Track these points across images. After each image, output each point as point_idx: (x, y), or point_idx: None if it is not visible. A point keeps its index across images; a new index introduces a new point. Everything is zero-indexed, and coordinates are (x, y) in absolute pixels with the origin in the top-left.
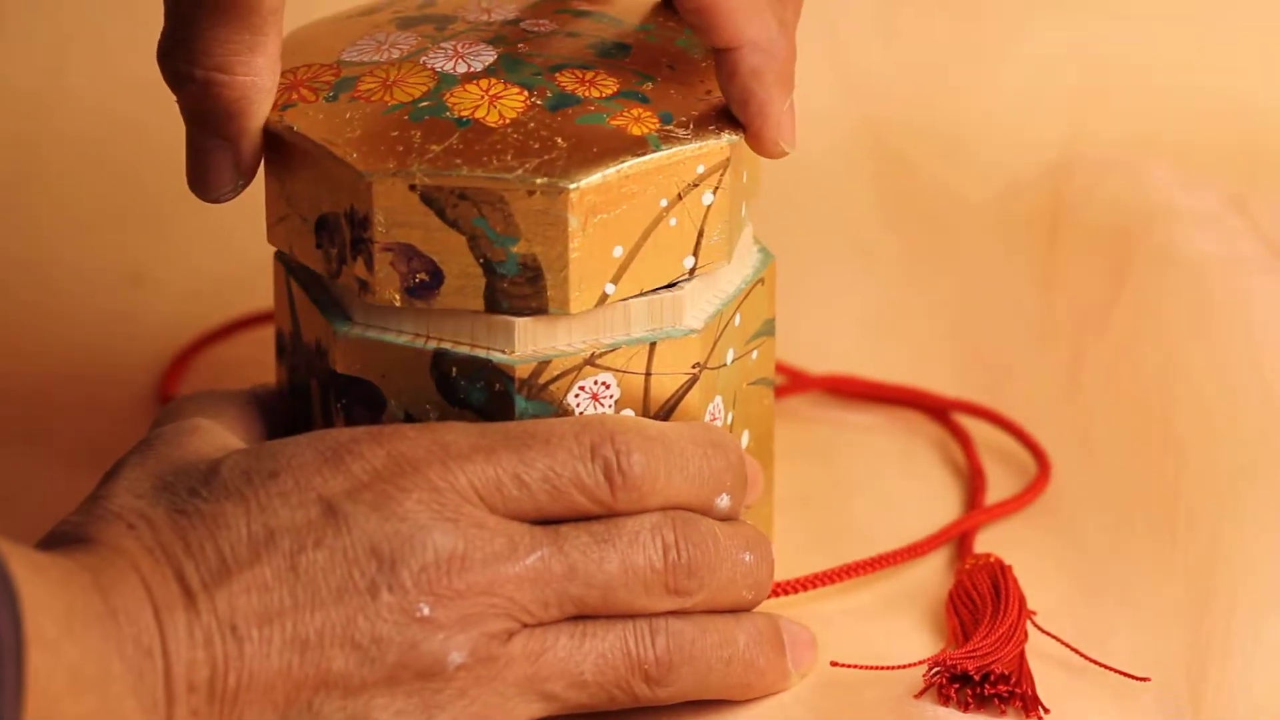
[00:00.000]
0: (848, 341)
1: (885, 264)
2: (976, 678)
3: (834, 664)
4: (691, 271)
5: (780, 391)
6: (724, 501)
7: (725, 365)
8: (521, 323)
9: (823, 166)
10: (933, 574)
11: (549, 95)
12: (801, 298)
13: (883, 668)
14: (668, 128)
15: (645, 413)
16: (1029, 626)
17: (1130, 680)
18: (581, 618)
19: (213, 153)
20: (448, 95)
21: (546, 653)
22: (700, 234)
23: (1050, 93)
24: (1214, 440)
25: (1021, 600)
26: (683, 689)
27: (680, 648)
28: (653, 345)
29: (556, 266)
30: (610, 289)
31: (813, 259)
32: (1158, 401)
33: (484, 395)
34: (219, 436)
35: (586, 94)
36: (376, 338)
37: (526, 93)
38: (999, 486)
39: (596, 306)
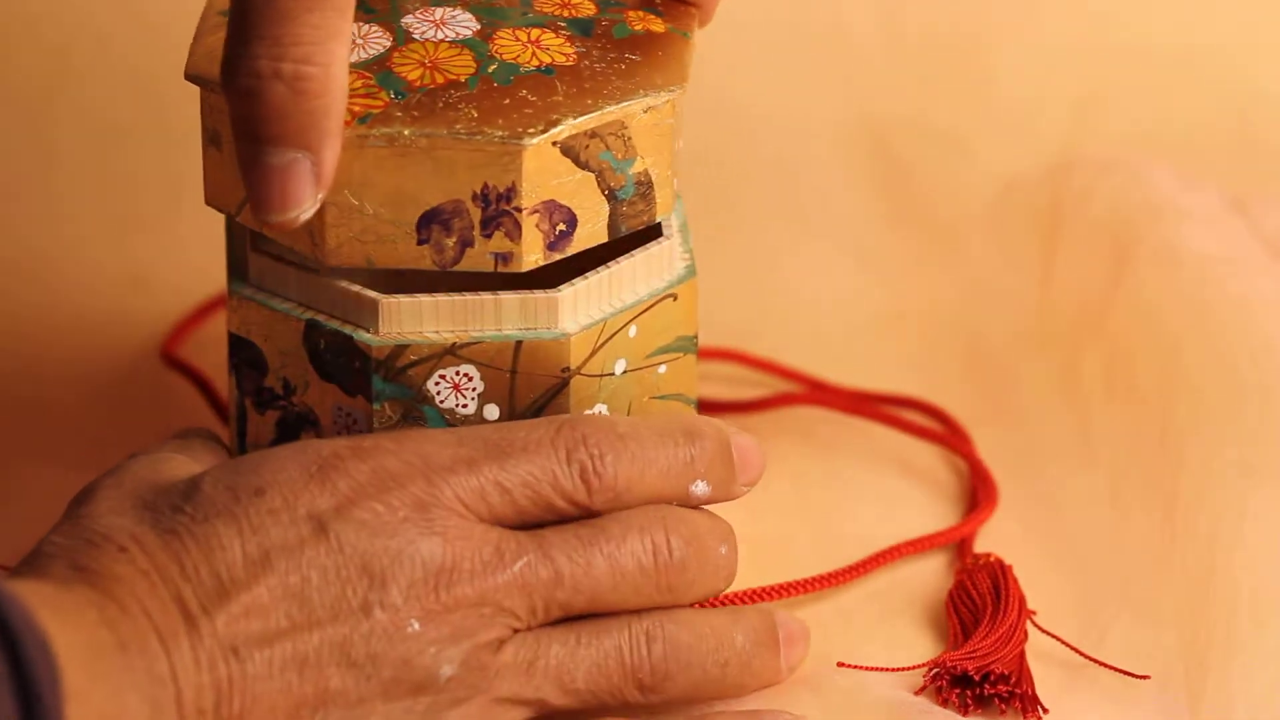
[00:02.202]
0: (847, 341)
1: (885, 264)
2: (976, 678)
3: (840, 665)
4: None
5: (782, 396)
6: (700, 488)
7: (612, 375)
8: (386, 303)
9: (822, 166)
10: (933, 574)
11: (564, 23)
12: (801, 297)
13: (887, 669)
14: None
15: (511, 409)
16: (1029, 626)
17: (1129, 679)
18: (575, 620)
19: (290, 167)
20: (491, 47)
21: (539, 660)
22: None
23: (1050, 93)
24: (1214, 440)
25: (1021, 600)
26: (677, 695)
27: (676, 655)
28: (519, 344)
29: (664, 178)
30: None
31: (812, 258)
32: (1157, 401)
33: (346, 372)
34: (188, 465)
35: (588, 12)
36: (263, 301)
37: (545, 31)
38: (1004, 487)
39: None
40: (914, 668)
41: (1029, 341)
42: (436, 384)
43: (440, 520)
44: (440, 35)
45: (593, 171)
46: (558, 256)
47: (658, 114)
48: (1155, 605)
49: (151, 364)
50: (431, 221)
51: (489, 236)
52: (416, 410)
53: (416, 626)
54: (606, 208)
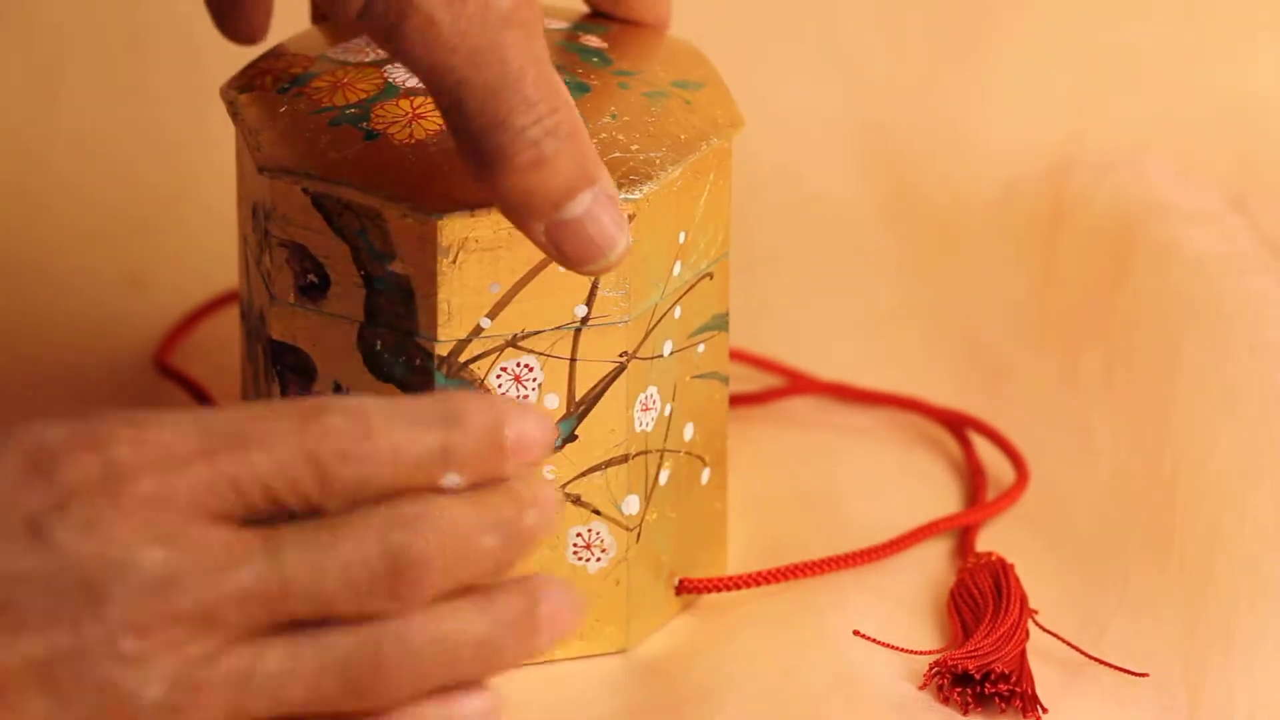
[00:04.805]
0: (847, 342)
1: (885, 264)
2: (977, 677)
3: (856, 634)
4: (584, 320)
5: (780, 392)
6: (452, 480)
7: (661, 357)
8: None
9: (822, 166)
10: (935, 572)
11: None
12: (801, 297)
13: (897, 648)
14: None
15: (570, 399)
16: (1030, 625)
17: (1129, 677)
18: (299, 629)
19: (590, 209)
20: (377, 107)
21: (255, 675)
22: (594, 285)
23: (1050, 93)
24: (1214, 439)
25: (1023, 599)
26: (406, 699)
27: (405, 664)
28: (578, 331)
29: (426, 292)
30: (486, 323)
31: (813, 259)
32: (1157, 400)
33: (406, 370)
34: None
35: None
36: (308, 308)
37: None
38: (1000, 486)
39: (464, 340)
40: (923, 653)
41: (1030, 340)
42: (498, 376)
43: (168, 523)
44: (401, 76)
45: (348, 243)
46: (311, 308)
47: (420, 227)
48: (1155, 603)
49: (147, 367)
50: (254, 213)
51: (264, 252)
52: None
53: (128, 645)
54: (364, 290)
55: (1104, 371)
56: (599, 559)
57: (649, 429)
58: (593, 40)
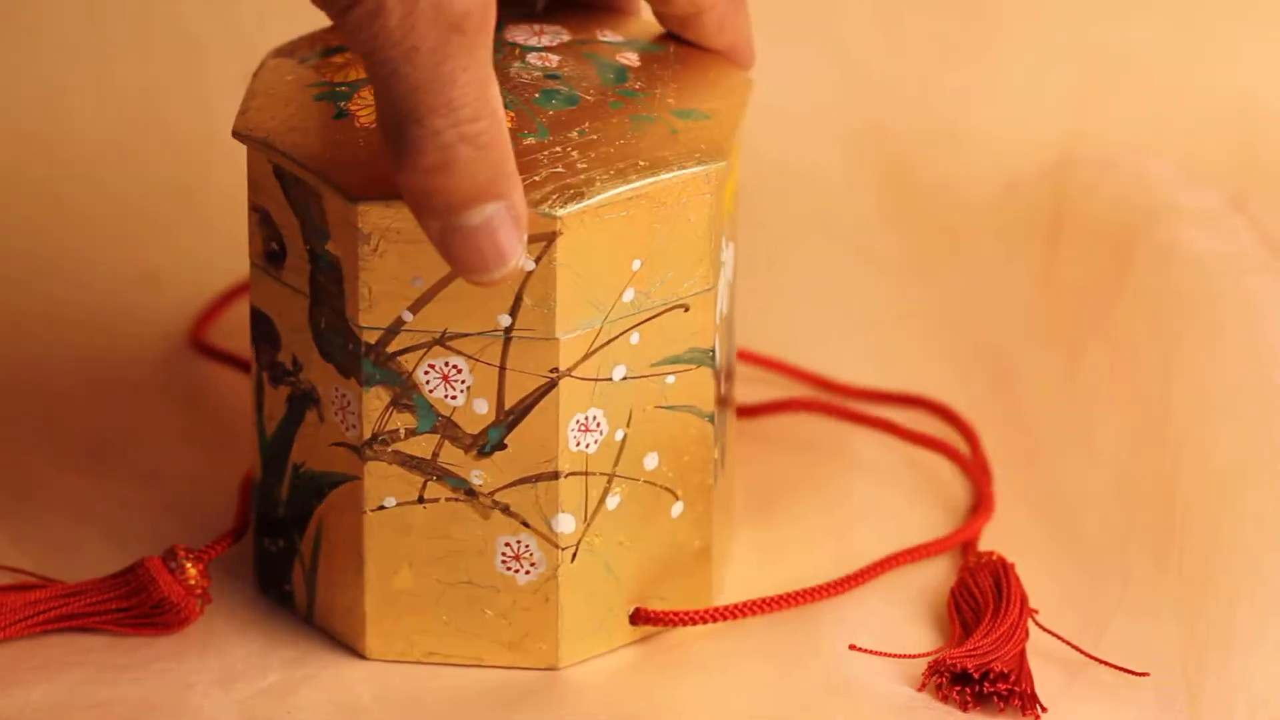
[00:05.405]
0: (847, 341)
1: (886, 263)
2: (976, 676)
3: (852, 647)
4: (509, 330)
5: (783, 388)
6: None
7: (610, 380)
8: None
9: (823, 166)
10: (936, 571)
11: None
12: (802, 297)
13: (892, 655)
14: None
15: (499, 406)
16: (1030, 624)
17: (1129, 677)
18: None
19: (491, 220)
20: (364, 89)
21: None
22: (518, 297)
23: (1050, 92)
24: (1214, 438)
25: (1023, 598)
26: None
27: None
28: (508, 340)
29: (351, 276)
30: (408, 316)
31: (813, 259)
32: (1158, 400)
33: (341, 354)
34: None
35: None
36: (276, 276)
37: None
38: (1004, 485)
39: (391, 329)
40: (920, 656)
41: (1030, 340)
42: (426, 373)
43: None
44: None
45: (298, 216)
46: (273, 273)
47: (347, 211)
48: (1155, 603)
49: (165, 362)
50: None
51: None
52: (406, 398)
53: None
54: (309, 265)
55: (1104, 370)
56: (528, 572)
57: (590, 451)
58: (626, 57)
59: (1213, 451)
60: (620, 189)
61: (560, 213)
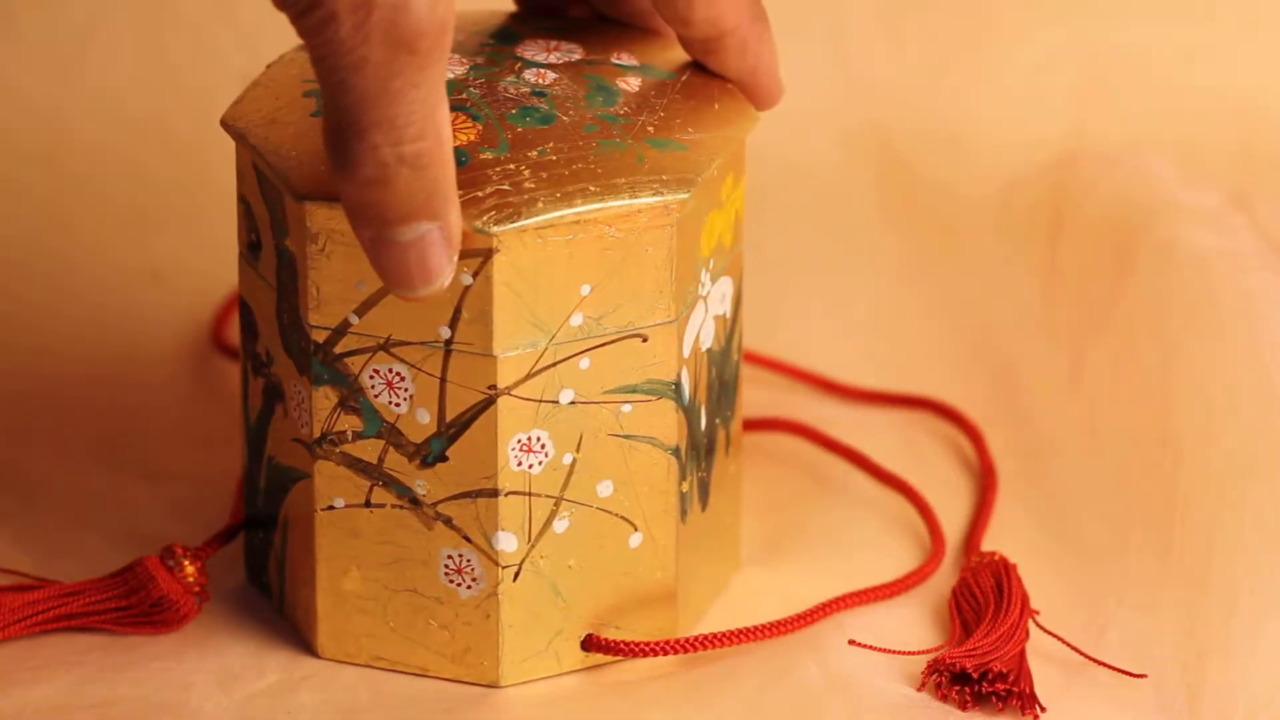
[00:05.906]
0: (849, 341)
1: (887, 263)
2: (975, 675)
3: (851, 642)
4: (449, 343)
5: (780, 393)
6: None
7: (555, 403)
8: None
9: (824, 166)
10: (938, 570)
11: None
12: (803, 297)
13: (893, 651)
14: (464, 198)
15: (440, 418)
16: (1030, 625)
17: (1127, 678)
18: None
19: (423, 239)
20: None
21: None
22: (457, 310)
23: (1051, 92)
24: (1214, 437)
25: (1024, 598)
26: None
27: None
28: (448, 353)
29: (301, 273)
30: (354, 319)
31: (814, 259)
32: (1159, 398)
33: (296, 350)
34: None
35: None
36: (255, 268)
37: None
38: (1008, 485)
39: (338, 330)
40: (920, 653)
41: (1031, 339)
42: (371, 377)
43: None
44: None
45: (269, 210)
46: (252, 262)
47: (297, 209)
48: (1155, 603)
49: (171, 359)
50: None
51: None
52: (354, 400)
53: None
54: (275, 258)
55: (1105, 369)
56: (469, 586)
57: (534, 472)
58: (627, 82)
59: (1213, 451)
60: (562, 212)
61: (495, 230)
